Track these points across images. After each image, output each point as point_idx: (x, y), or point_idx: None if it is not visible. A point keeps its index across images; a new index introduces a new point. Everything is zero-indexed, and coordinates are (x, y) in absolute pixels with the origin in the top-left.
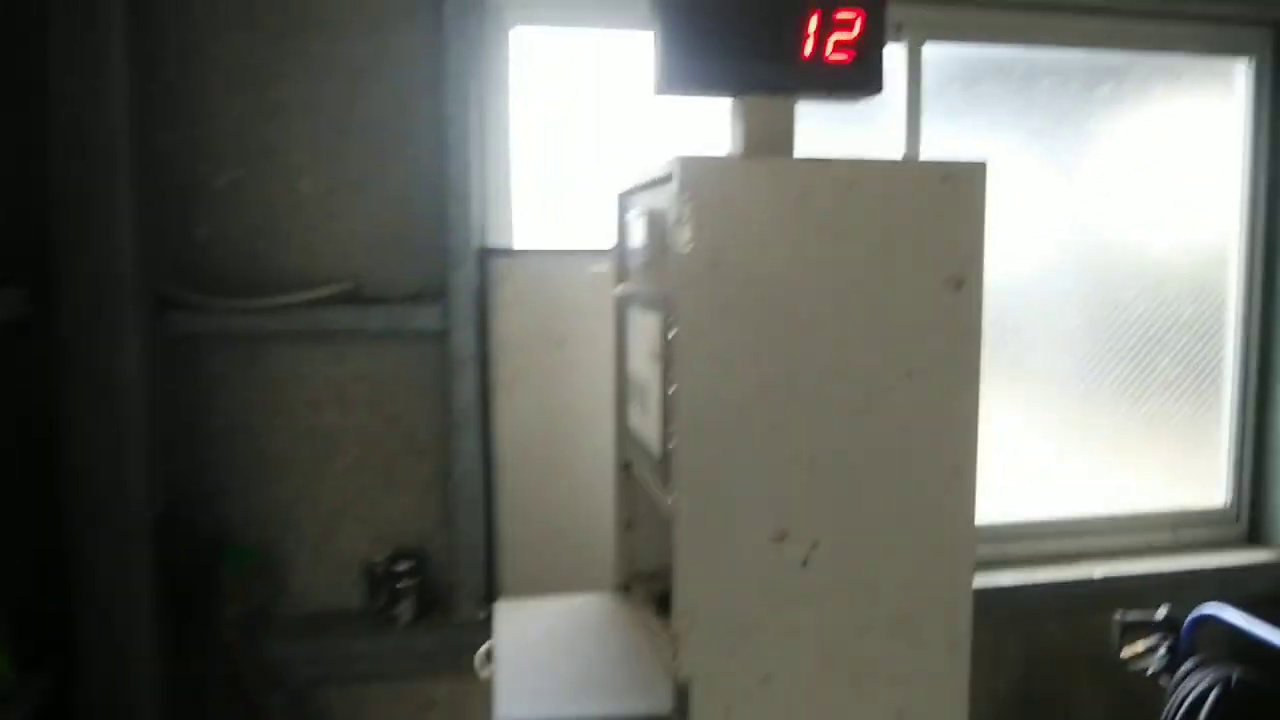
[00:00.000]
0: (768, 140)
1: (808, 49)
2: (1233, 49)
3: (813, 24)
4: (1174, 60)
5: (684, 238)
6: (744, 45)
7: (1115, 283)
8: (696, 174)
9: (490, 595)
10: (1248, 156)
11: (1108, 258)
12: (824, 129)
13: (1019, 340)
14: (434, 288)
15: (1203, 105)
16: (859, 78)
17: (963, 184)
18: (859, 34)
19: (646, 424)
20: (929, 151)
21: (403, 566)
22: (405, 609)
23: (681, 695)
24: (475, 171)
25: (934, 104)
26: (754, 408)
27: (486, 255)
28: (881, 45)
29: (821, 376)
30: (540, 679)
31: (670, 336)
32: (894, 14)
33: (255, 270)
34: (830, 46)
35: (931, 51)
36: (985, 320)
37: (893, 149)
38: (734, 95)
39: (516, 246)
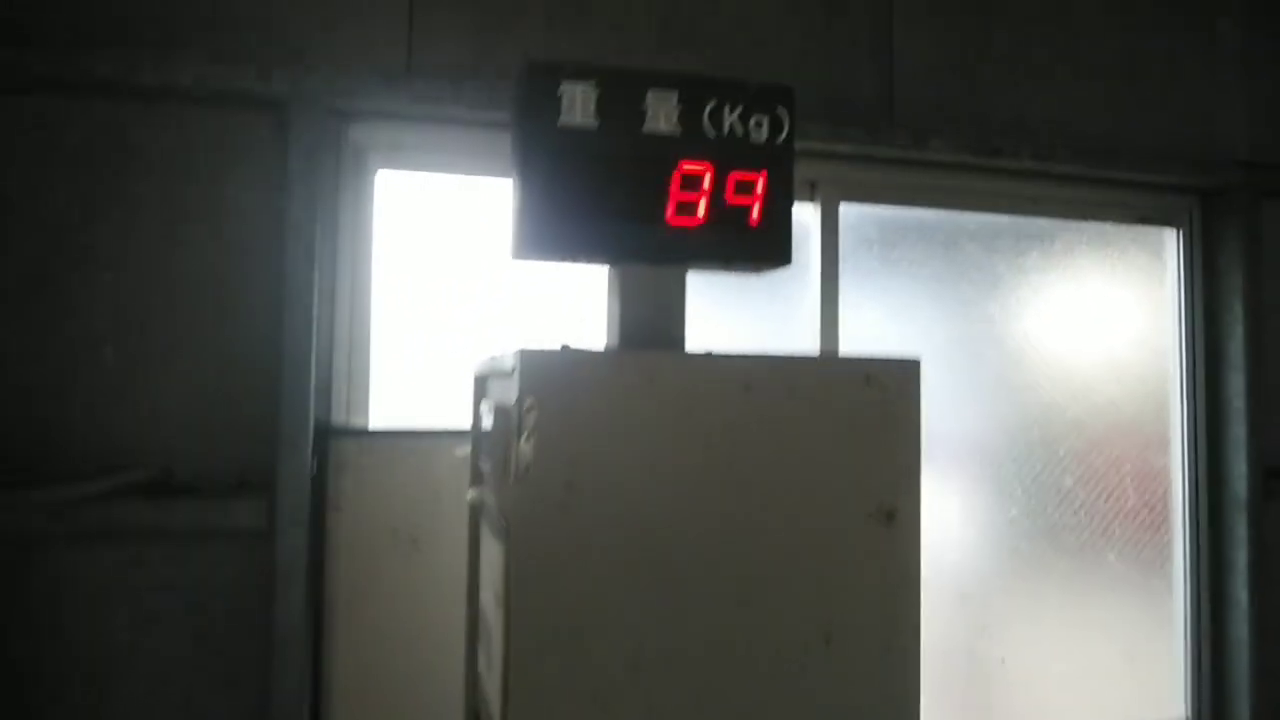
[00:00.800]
0: (649, 321)
1: (700, 210)
2: (1162, 219)
3: (706, 182)
4: (1103, 226)
5: (526, 454)
6: (619, 206)
7: (1055, 467)
8: (543, 371)
9: None
10: (1181, 329)
11: (1045, 436)
12: (725, 299)
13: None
14: (261, 477)
15: (1132, 272)
16: (763, 246)
17: (892, 386)
18: (762, 196)
19: (491, 679)
20: (847, 320)
21: None
22: None
23: None
24: (322, 335)
25: (851, 267)
26: (623, 688)
27: (327, 437)
28: (789, 209)
29: (711, 642)
30: None
31: (510, 583)
32: (807, 172)
33: (42, 454)
34: (727, 210)
35: (848, 212)
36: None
37: (805, 318)
38: (604, 263)
39: (371, 425)
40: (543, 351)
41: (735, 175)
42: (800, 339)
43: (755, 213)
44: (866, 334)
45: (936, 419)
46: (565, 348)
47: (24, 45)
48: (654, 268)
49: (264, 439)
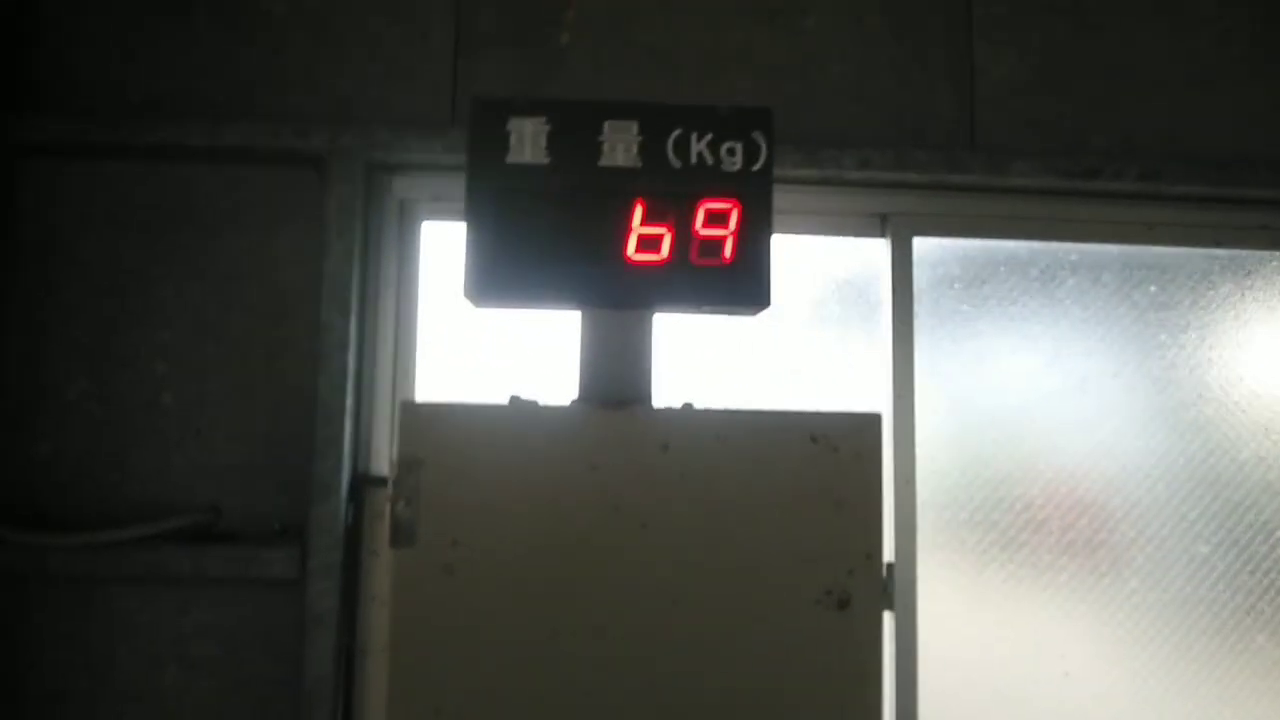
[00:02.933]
0: (609, 368)
1: (664, 247)
2: None
3: (669, 216)
4: (1238, 253)
5: (403, 517)
6: (573, 245)
7: (1185, 532)
8: (427, 427)
9: None
10: None
11: (1170, 496)
12: (785, 337)
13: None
14: (299, 525)
15: None
16: (738, 286)
17: (845, 447)
18: (736, 230)
19: None
20: (925, 366)
21: None
22: None
23: None
24: (363, 386)
25: (931, 308)
26: None
27: (362, 486)
28: (768, 244)
29: None
30: None
31: (390, 664)
32: (875, 205)
33: (101, 496)
34: (695, 246)
35: (926, 247)
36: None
37: (878, 364)
38: (562, 307)
39: None
40: (426, 405)
41: (705, 208)
42: (872, 387)
43: (728, 249)
44: (950, 383)
45: (1033, 476)
46: (514, 399)
47: (87, 115)
48: (615, 311)
49: (304, 487)
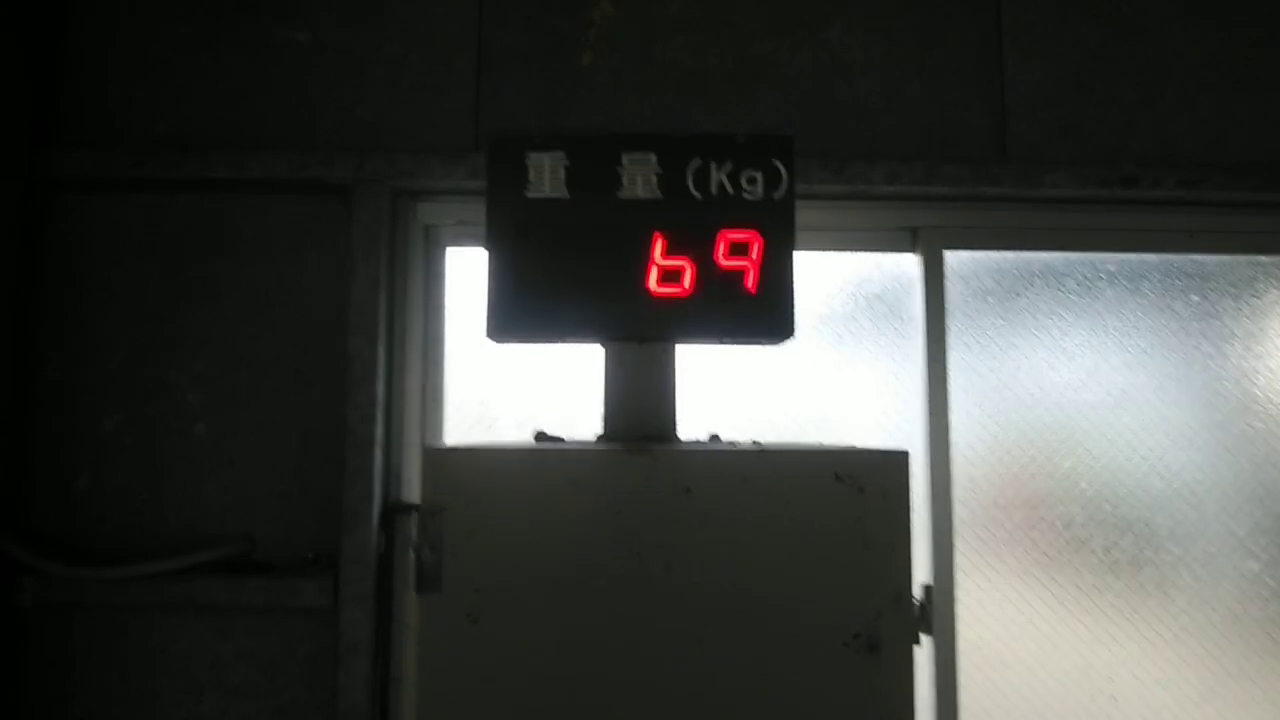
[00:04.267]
0: (632, 403)
1: (686, 280)
2: None
3: (692, 248)
4: None
5: (428, 562)
6: (595, 280)
7: (1236, 549)
8: (449, 471)
9: None
10: None
11: (1218, 512)
12: (815, 356)
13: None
14: (331, 554)
15: None
16: (762, 316)
17: (871, 486)
18: (759, 259)
19: None
20: (960, 382)
21: None
22: None
23: None
24: (394, 414)
25: (965, 323)
26: None
27: (394, 515)
28: (791, 273)
29: None
30: None
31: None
32: (905, 219)
33: (138, 525)
34: (718, 276)
35: (959, 261)
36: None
37: (912, 381)
38: (584, 342)
39: None
40: (448, 450)
41: (726, 238)
42: (906, 406)
43: (751, 279)
44: (986, 398)
45: (1074, 494)
46: (539, 434)
47: (115, 149)
48: (637, 345)
49: (336, 516)
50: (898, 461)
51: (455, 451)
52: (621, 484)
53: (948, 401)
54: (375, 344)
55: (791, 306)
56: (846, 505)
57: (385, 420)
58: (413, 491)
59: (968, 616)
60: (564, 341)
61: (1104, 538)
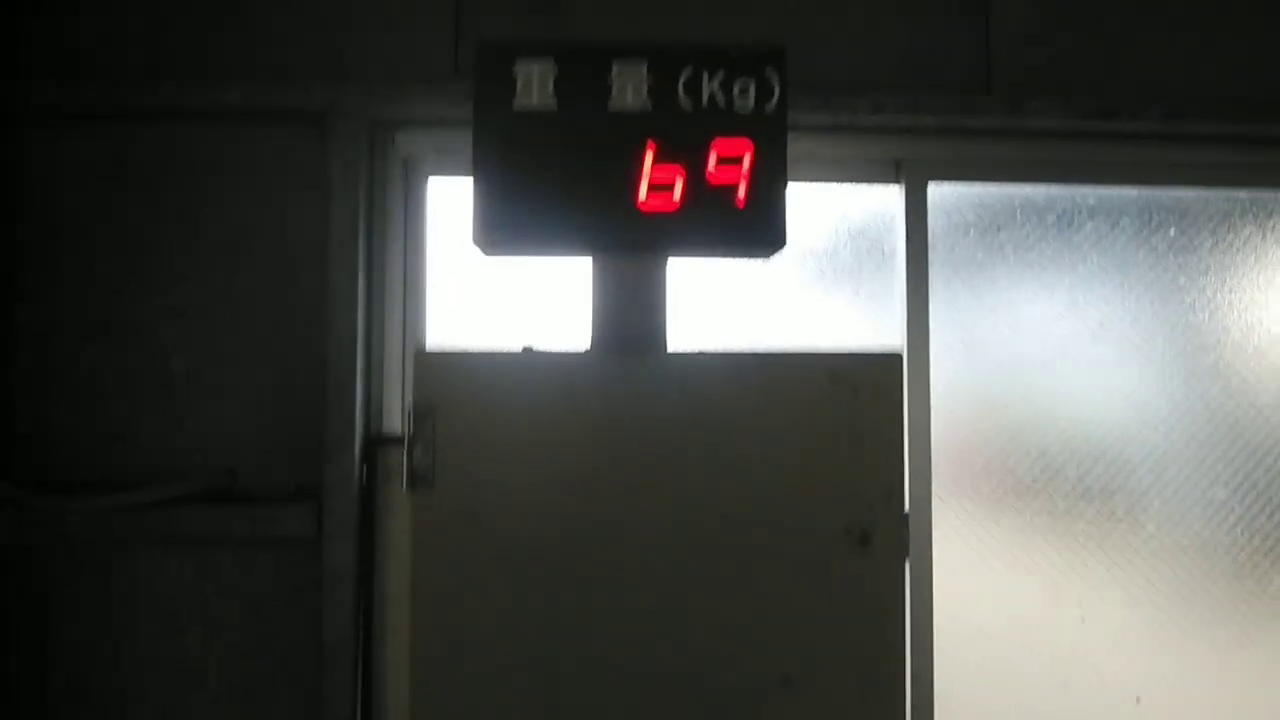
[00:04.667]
0: (622, 316)
1: (676, 192)
2: None
3: (682, 160)
4: (1262, 193)
5: (420, 463)
6: (584, 192)
7: (1202, 477)
8: (442, 375)
9: None
10: None
11: (1187, 441)
12: (797, 288)
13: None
14: (313, 486)
15: None
16: (752, 229)
17: (865, 386)
18: (749, 172)
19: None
20: (942, 315)
21: None
22: None
23: None
24: (373, 346)
25: (946, 256)
26: None
27: (376, 446)
28: (783, 186)
29: (644, 686)
30: None
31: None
32: (889, 150)
33: (118, 463)
34: (709, 190)
35: (941, 194)
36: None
37: (894, 313)
38: (573, 255)
39: None
40: (440, 353)
41: (718, 150)
42: (887, 336)
43: (742, 191)
44: (966, 330)
45: (1049, 423)
46: (526, 349)
47: (87, 79)
48: (627, 258)
49: (317, 449)
50: (891, 362)
51: (446, 355)
52: (616, 385)
53: (928, 332)
54: (355, 276)
55: (783, 218)
56: (840, 404)
57: (365, 353)
58: (394, 424)
59: (943, 541)
60: (552, 253)
61: (1077, 466)
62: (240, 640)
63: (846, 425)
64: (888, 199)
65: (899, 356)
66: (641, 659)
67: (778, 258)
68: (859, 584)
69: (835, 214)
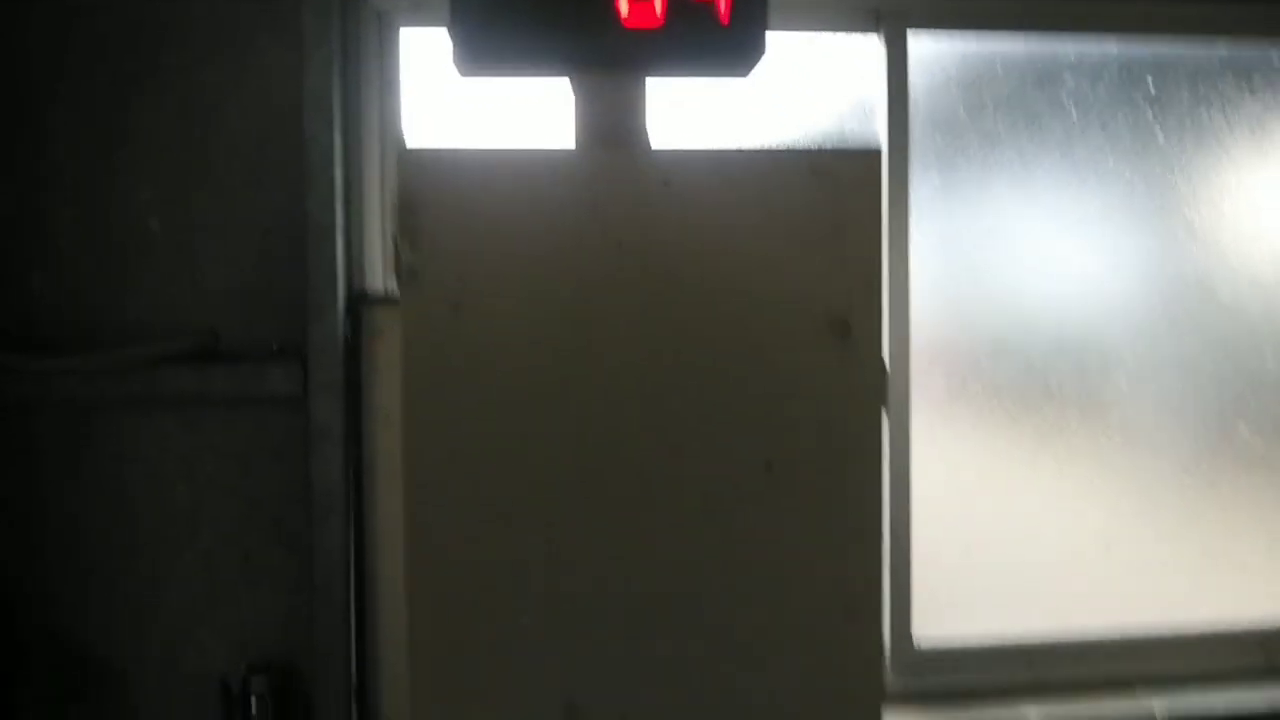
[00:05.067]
0: (601, 135)
1: (657, 8)
2: None
3: None
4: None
5: (408, 258)
6: (565, 8)
7: (1169, 334)
8: (426, 173)
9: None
10: None
11: (1156, 300)
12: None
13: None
14: (297, 344)
15: None
16: (733, 47)
17: (845, 180)
18: None
19: None
20: (919, 169)
21: (260, 686)
22: None
23: None
24: (353, 202)
25: (925, 112)
26: (530, 510)
27: (361, 303)
28: (766, 3)
29: (628, 469)
30: None
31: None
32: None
33: (99, 324)
34: (690, 6)
35: (922, 48)
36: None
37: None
38: (554, 75)
39: None
40: (425, 151)
41: None
42: None
43: (723, 6)
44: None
45: (1016, 280)
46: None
47: None
48: (607, 77)
49: (301, 307)
50: (870, 159)
51: (432, 153)
52: (601, 179)
53: (908, 185)
54: (332, 130)
55: (764, 31)
56: (821, 195)
57: (346, 209)
58: (377, 282)
59: (919, 442)
60: (531, 73)
61: (1057, 320)
62: (229, 499)
63: (828, 214)
64: (864, 51)
65: (878, 153)
66: (630, 447)
67: (755, 129)
68: (840, 373)
69: (814, 72)
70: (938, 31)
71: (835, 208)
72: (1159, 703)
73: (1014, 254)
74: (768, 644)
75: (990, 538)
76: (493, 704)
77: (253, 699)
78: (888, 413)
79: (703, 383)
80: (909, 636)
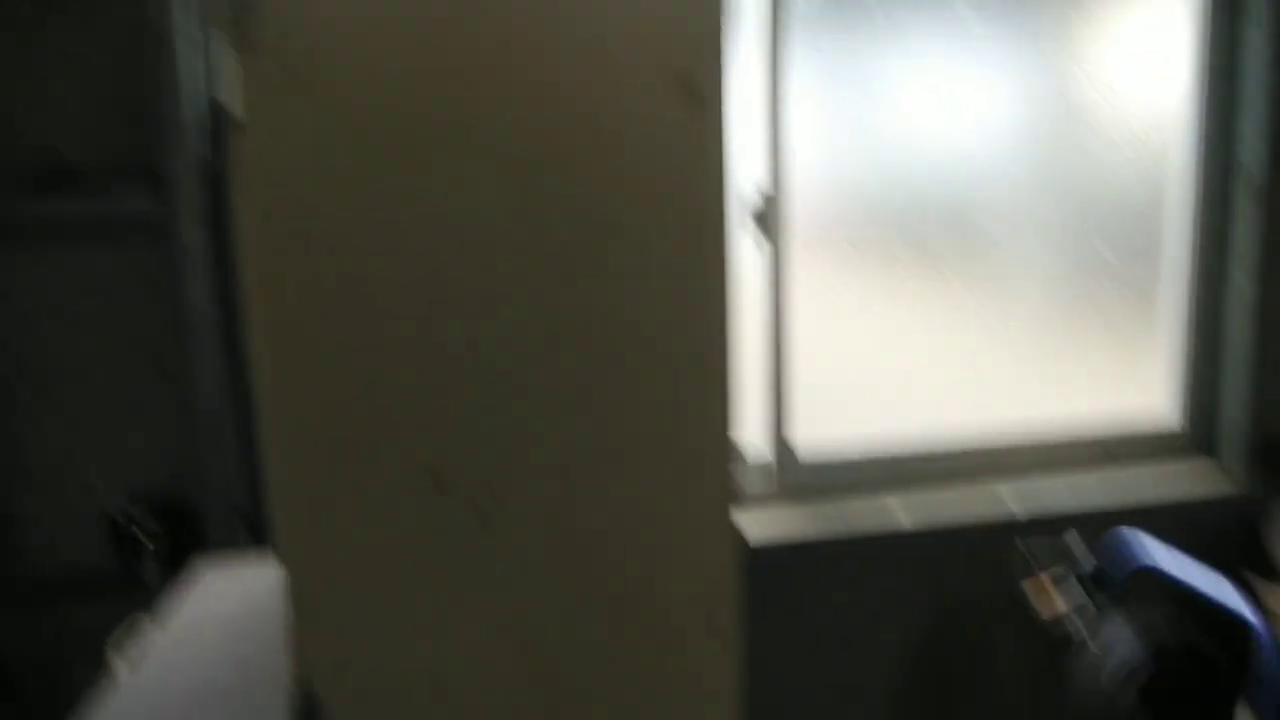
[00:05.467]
0: None
1: None
2: None
3: None
4: None
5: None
6: None
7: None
8: None
9: (260, 543)
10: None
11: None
12: None
13: (910, 220)
14: (154, 166)
15: None
16: None
17: None
18: None
19: None
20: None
21: (146, 519)
22: (152, 568)
23: (307, 712)
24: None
25: None
26: (387, 286)
27: (224, 131)
28: None
29: (477, 238)
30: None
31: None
32: None
33: None
34: None
35: None
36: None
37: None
38: None
39: None
40: None
41: None
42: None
43: None
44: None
45: (916, 135)
46: None
47: None
48: None
49: (158, 129)
50: None
51: None
52: None
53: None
54: None
55: None
56: None
57: (203, 21)
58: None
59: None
60: None
61: (942, 183)
62: (97, 330)
63: None
64: None
65: None
66: (480, 214)
67: None
68: (688, 139)
69: None
70: None
71: None
72: (1007, 488)
73: (888, 71)
74: (624, 406)
75: (864, 355)
76: (356, 474)
77: (140, 531)
78: (765, 234)
79: (553, 142)
80: (787, 442)
